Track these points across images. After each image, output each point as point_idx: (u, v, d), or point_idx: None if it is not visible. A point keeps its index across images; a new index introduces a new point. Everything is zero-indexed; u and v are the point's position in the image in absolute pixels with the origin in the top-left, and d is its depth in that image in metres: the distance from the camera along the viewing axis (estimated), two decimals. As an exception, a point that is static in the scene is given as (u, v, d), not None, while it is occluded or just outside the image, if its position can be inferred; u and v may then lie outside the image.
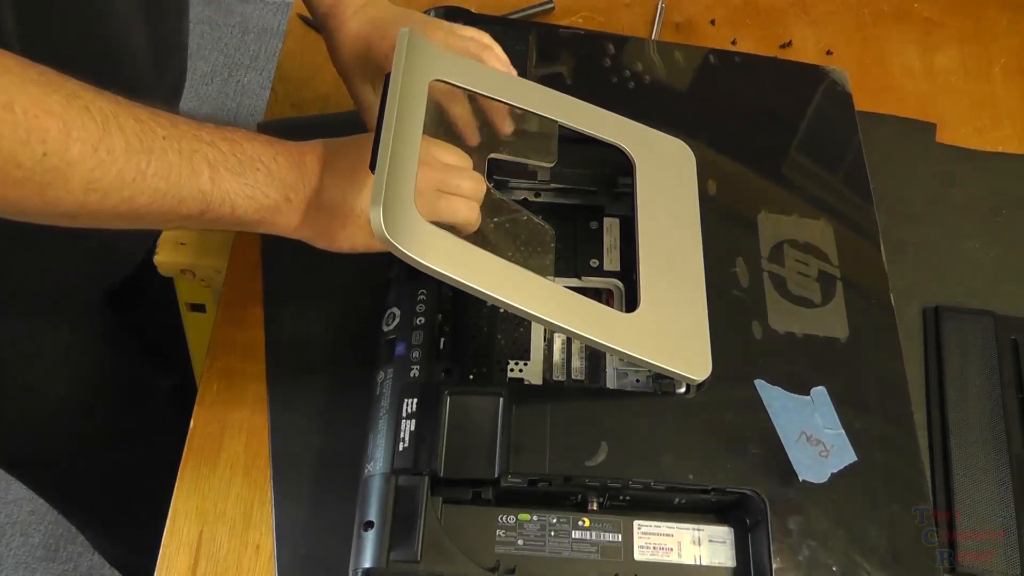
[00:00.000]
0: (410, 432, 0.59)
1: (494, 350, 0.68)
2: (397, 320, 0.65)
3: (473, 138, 0.67)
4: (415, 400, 0.60)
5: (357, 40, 0.67)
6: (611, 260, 0.72)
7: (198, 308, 0.93)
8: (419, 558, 0.54)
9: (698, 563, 0.58)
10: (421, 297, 0.65)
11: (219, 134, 0.53)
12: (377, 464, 0.59)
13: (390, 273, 0.68)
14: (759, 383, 0.62)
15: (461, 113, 0.66)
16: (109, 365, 0.88)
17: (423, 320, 0.64)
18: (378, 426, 0.61)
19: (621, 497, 0.60)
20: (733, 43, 0.93)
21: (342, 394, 0.70)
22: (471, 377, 0.66)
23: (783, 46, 0.93)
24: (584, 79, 0.75)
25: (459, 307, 0.68)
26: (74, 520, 1.18)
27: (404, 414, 0.60)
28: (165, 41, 0.67)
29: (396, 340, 0.64)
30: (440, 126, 0.66)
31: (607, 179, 0.74)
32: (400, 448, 0.58)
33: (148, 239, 0.84)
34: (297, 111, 0.87)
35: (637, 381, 0.67)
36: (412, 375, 0.62)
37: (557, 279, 0.69)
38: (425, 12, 0.80)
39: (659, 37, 0.93)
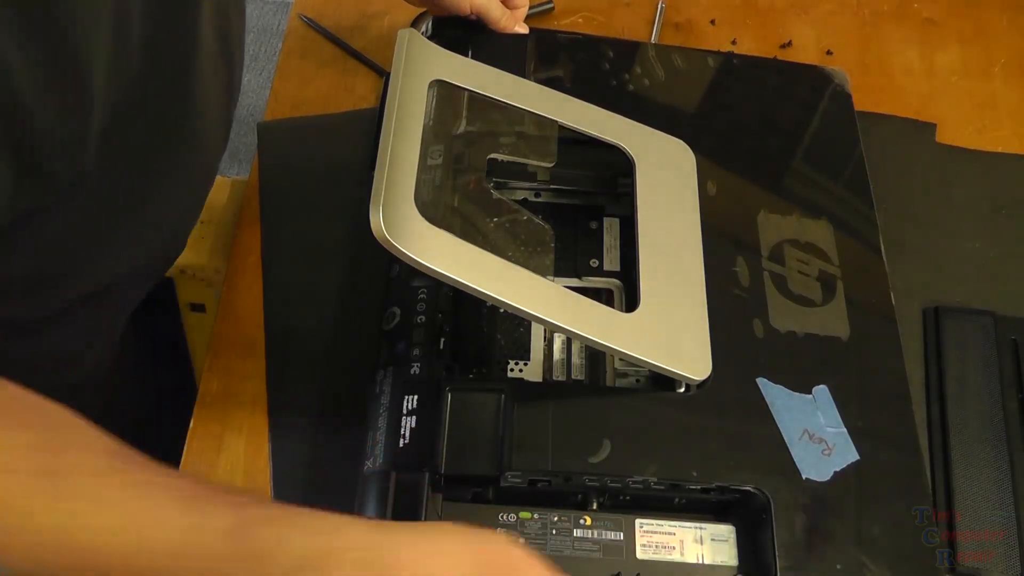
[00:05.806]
0: (410, 429, 0.59)
1: (494, 350, 0.68)
2: (397, 319, 0.65)
3: None
4: (416, 397, 0.60)
5: None
6: (611, 260, 0.72)
7: (198, 308, 0.93)
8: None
9: (700, 562, 0.58)
10: (421, 296, 0.65)
11: None
12: (377, 461, 0.59)
13: (390, 272, 0.68)
14: (761, 381, 0.62)
15: None
16: (116, 372, 0.88)
17: (423, 319, 0.64)
18: (378, 423, 0.61)
19: (621, 497, 0.60)
20: (733, 43, 0.93)
21: (342, 394, 0.70)
22: (471, 377, 0.66)
23: (783, 46, 0.93)
24: (583, 82, 0.75)
25: (459, 307, 0.68)
26: None
27: (405, 411, 0.59)
28: (228, 104, 0.68)
29: (396, 338, 0.64)
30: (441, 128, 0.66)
31: (607, 180, 0.74)
32: (400, 445, 0.58)
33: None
34: (297, 111, 0.87)
35: (637, 381, 0.66)
36: (413, 372, 0.62)
37: (557, 279, 0.69)
38: (420, 16, 0.80)
39: (659, 37, 0.93)
